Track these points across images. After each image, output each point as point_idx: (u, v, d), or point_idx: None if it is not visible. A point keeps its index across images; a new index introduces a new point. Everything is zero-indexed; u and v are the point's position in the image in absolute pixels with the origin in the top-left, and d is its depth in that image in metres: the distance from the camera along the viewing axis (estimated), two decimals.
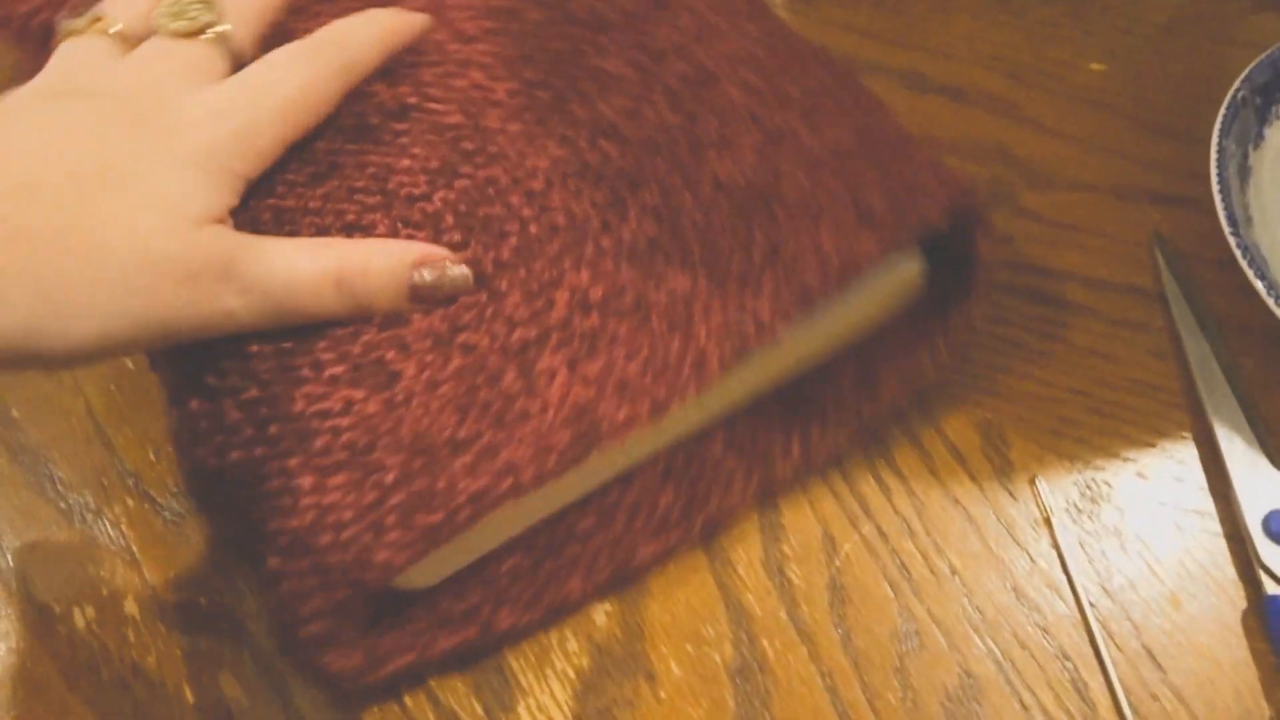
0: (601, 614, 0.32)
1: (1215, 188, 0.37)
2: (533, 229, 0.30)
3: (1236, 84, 0.39)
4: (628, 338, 0.29)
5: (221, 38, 0.31)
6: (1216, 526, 0.34)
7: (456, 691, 0.31)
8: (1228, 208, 0.36)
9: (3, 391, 0.37)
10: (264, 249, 0.28)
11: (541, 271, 0.29)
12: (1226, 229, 0.35)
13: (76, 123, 0.27)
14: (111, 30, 0.30)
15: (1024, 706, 0.31)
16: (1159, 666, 0.31)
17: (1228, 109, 0.39)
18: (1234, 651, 0.31)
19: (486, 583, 0.31)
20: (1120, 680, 0.31)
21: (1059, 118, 0.44)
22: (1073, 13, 0.47)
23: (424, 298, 0.29)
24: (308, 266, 0.28)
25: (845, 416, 0.34)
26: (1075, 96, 0.45)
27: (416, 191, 0.30)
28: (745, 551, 0.33)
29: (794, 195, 0.31)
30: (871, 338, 0.35)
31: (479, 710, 0.31)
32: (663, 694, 0.31)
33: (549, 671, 0.31)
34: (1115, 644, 0.32)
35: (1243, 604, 0.32)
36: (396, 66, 0.32)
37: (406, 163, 0.30)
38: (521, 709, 0.31)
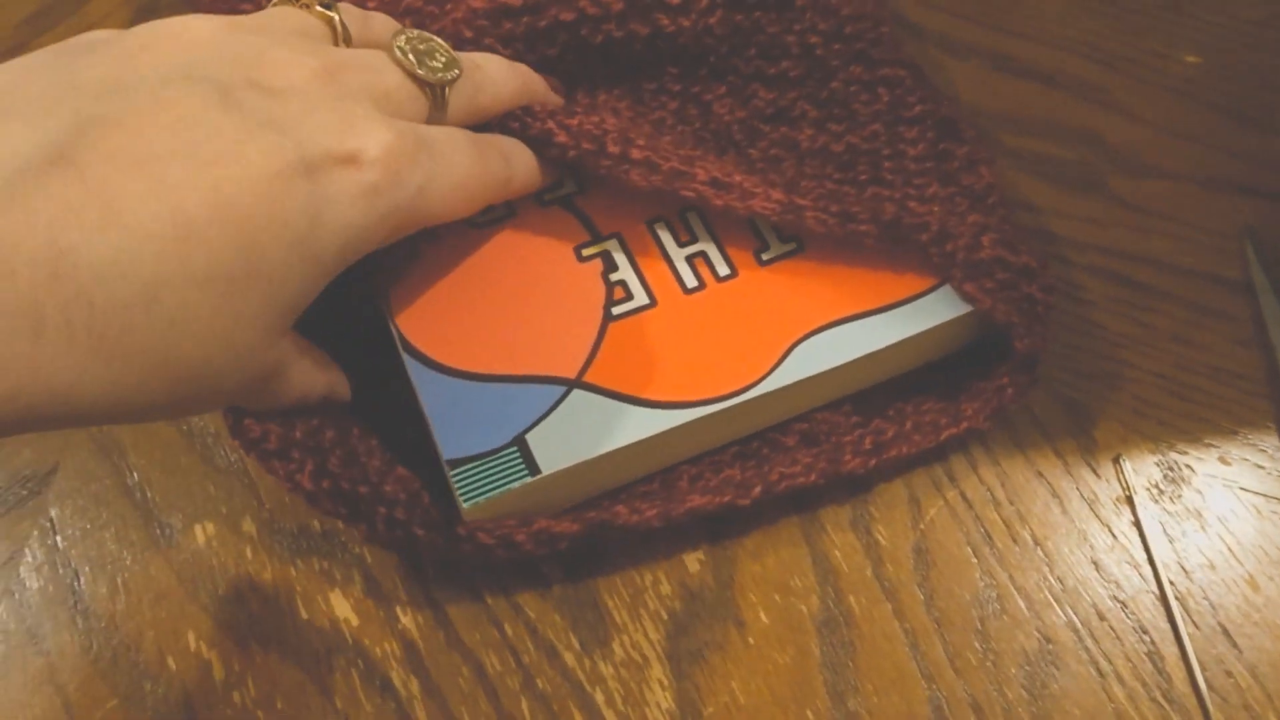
0: (695, 562, 0.34)
1: None
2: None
3: None
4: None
5: (445, 100, 0.30)
6: None
7: (555, 625, 0.32)
8: None
9: None
10: (313, 372, 0.29)
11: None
12: None
13: (204, 136, 0.24)
14: (334, 19, 0.30)
15: (1100, 674, 0.32)
16: (1234, 645, 0.32)
17: None
18: None
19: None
20: (1196, 656, 0.32)
21: (1150, 107, 0.45)
22: (1167, 4, 0.48)
23: None
24: (322, 382, 0.30)
25: (924, 430, 0.35)
26: (1167, 87, 0.45)
27: None
28: (834, 511, 0.34)
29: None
30: (955, 363, 0.36)
31: (575, 644, 0.32)
32: (751, 640, 0.32)
33: (642, 612, 0.33)
34: (1192, 621, 0.33)
35: None
36: None
37: None
38: (616, 644, 0.32)
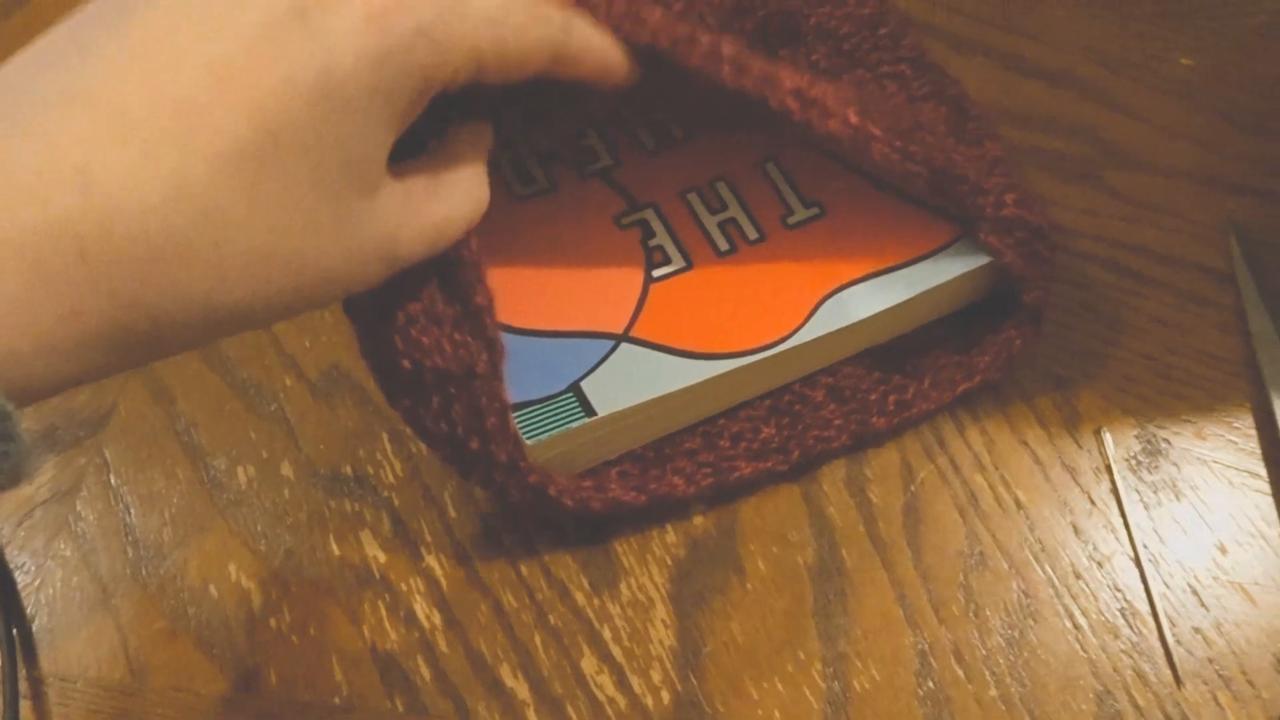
0: (698, 514, 0.36)
1: None
2: None
3: None
4: None
5: None
6: (1266, 487, 0.37)
7: (568, 567, 0.35)
8: None
9: None
10: (421, 216, 0.26)
11: None
12: None
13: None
14: None
15: (1075, 627, 0.34)
16: (1202, 604, 0.34)
17: None
18: (1272, 596, 0.34)
19: (596, 474, 0.35)
20: (1165, 613, 0.34)
21: (1147, 106, 0.47)
22: (1166, 10, 0.50)
23: None
24: (465, 214, 0.28)
25: (941, 385, 0.38)
26: (1164, 88, 0.47)
27: None
28: (831, 470, 0.37)
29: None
30: (969, 320, 0.38)
31: (585, 584, 0.35)
32: (750, 586, 0.35)
33: (649, 557, 0.35)
34: (1163, 581, 0.35)
35: None
36: None
37: None
38: (623, 586, 0.35)
